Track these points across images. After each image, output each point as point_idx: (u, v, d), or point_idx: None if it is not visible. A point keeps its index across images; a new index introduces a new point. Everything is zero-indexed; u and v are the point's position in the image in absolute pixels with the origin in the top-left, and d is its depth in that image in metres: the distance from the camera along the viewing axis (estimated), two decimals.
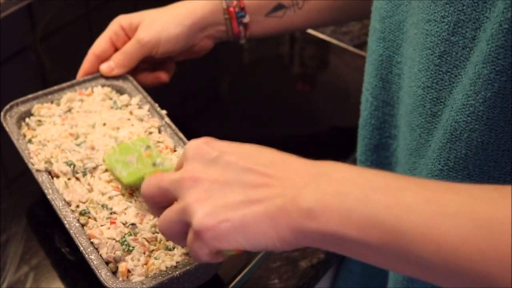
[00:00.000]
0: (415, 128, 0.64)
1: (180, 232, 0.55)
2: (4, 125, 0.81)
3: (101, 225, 0.71)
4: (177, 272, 0.67)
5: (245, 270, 0.77)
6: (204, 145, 0.56)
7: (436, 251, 0.47)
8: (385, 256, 0.50)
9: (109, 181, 0.76)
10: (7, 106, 0.83)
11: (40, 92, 0.86)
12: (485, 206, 0.47)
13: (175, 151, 0.80)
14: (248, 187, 0.52)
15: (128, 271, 0.68)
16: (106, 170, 0.77)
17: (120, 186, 0.75)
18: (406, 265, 0.49)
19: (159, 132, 0.82)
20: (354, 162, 0.79)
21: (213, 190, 0.53)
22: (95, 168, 0.77)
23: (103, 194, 0.75)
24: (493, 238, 0.46)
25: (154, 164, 0.73)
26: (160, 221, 0.57)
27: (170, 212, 0.56)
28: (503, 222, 0.46)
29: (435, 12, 0.58)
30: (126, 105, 0.86)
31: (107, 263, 0.68)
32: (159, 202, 0.58)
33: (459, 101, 0.58)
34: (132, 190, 0.75)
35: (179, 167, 0.58)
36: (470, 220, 0.46)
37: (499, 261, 0.45)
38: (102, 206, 0.73)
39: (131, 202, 0.74)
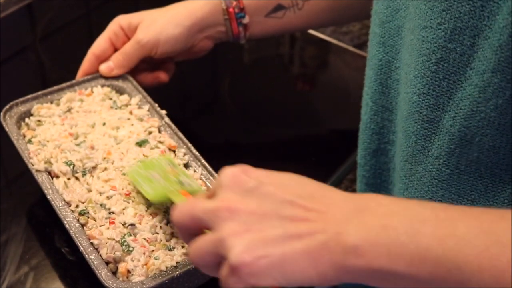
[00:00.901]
0: (410, 135, 0.64)
1: (213, 262, 0.53)
2: (4, 125, 0.81)
3: (100, 225, 0.71)
4: (177, 272, 0.67)
5: None
6: (241, 173, 0.53)
7: (494, 283, 0.46)
8: None
9: (107, 181, 0.76)
10: (7, 106, 0.83)
11: (39, 92, 0.86)
12: None
13: (174, 151, 0.80)
14: (287, 221, 0.50)
15: (128, 271, 0.68)
16: (106, 169, 0.77)
17: (117, 186, 0.75)
18: None
19: (159, 132, 0.83)
20: (353, 164, 0.78)
21: (251, 222, 0.50)
22: (94, 168, 0.77)
23: (101, 193, 0.75)
24: None
25: (180, 183, 0.71)
26: (193, 249, 0.54)
27: (203, 242, 0.53)
28: None
29: (431, 19, 0.58)
30: (126, 105, 0.86)
31: (107, 263, 0.68)
32: (191, 230, 0.56)
33: (467, 107, 0.57)
34: (128, 191, 0.75)
35: (211, 194, 0.55)
36: None
37: None
38: (101, 205, 0.73)
39: (128, 202, 0.74)
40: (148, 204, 0.74)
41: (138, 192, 0.74)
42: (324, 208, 0.51)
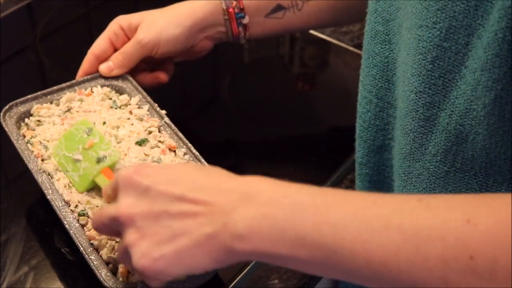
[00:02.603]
0: (409, 133, 0.64)
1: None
2: (4, 125, 0.81)
3: None
4: None
5: (245, 270, 0.77)
6: (134, 175, 0.58)
7: (366, 265, 0.50)
8: (316, 269, 0.53)
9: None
10: (7, 107, 0.83)
11: (39, 93, 0.85)
12: (411, 218, 0.50)
13: (174, 151, 0.80)
14: (176, 219, 0.55)
15: (128, 271, 0.68)
16: None
17: None
18: (337, 275, 0.53)
19: (159, 131, 0.82)
20: (354, 163, 0.78)
21: (145, 227, 0.56)
22: None
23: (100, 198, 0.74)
24: (422, 249, 0.48)
25: (98, 160, 0.73)
26: (117, 256, 0.62)
27: (119, 248, 0.60)
28: (430, 233, 0.48)
29: (427, 18, 0.59)
30: (126, 105, 0.86)
31: (107, 263, 0.68)
32: (110, 232, 0.63)
33: (462, 105, 0.58)
34: None
35: (114, 193, 0.61)
36: (398, 233, 0.49)
37: (428, 269, 0.48)
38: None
39: None
40: None
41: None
42: (212, 199, 0.55)
